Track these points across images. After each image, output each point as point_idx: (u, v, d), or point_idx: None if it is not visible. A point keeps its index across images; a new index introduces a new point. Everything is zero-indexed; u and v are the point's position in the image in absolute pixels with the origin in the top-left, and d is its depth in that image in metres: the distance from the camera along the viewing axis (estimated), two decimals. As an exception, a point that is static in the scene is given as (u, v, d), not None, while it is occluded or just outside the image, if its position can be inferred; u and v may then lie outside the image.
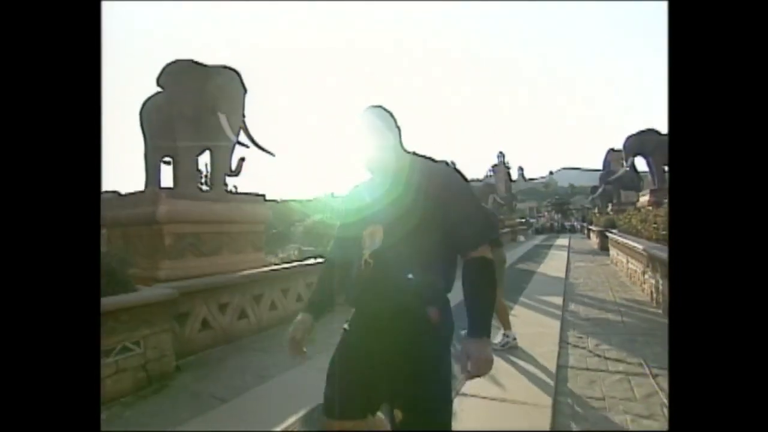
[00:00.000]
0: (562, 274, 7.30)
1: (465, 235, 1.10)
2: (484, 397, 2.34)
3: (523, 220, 29.70)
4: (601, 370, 2.76)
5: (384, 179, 1.21)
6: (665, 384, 2.46)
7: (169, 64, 4.81)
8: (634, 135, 10.06)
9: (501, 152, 30.78)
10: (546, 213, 38.01)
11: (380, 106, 1.24)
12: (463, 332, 1.12)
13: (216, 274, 4.37)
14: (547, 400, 2.27)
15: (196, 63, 4.82)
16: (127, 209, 4.83)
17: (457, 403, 2.23)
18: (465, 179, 1.19)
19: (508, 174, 30.87)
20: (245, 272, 4.42)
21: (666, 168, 9.47)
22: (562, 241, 17.98)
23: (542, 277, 7.13)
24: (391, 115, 1.25)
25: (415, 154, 1.25)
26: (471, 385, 2.41)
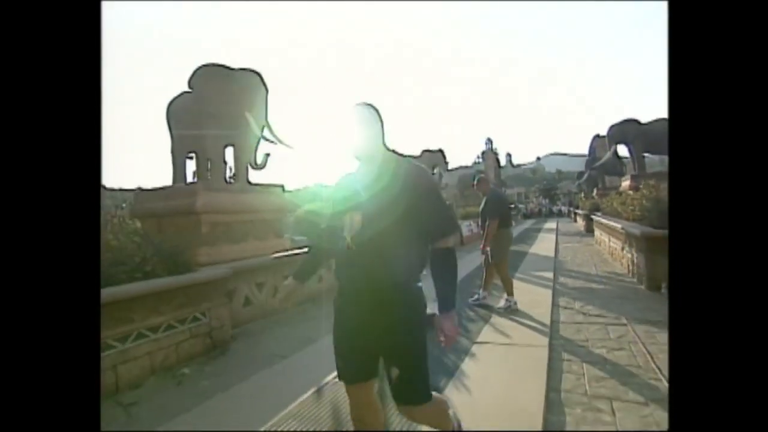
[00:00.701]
0: (552, 254, 8.03)
1: (432, 229, 1.27)
2: (496, 343, 2.99)
3: (512, 206, 30.56)
4: (585, 323, 3.44)
5: (370, 168, 1.34)
6: (630, 328, 3.14)
7: (199, 68, 5.23)
8: (616, 124, 10.78)
9: (489, 138, 31.44)
10: (534, 199, 39.03)
11: (369, 104, 1.37)
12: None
13: (246, 259, 4.91)
14: (544, 342, 2.93)
15: (223, 66, 5.26)
16: (162, 201, 5.29)
17: (476, 349, 2.87)
18: (433, 180, 1.38)
19: (497, 160, 31.36)
20: (276, 255, 4.97)
21: (646, 155, 10.24)
22: (550, 224, 18.86)
23: (534, 256, 7.84)
24: (378, 111, 1.38)
25: (394, 152, 1.41)
26: (484, 335, 3.05)
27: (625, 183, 10.19)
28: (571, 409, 2.04)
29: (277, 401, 2.31)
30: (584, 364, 2.58)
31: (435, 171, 13.80)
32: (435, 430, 1.45)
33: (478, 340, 3.04)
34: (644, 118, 10.64)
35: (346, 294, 1.35)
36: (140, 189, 6.87)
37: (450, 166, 17.94)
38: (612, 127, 11.04)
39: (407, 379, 1.27)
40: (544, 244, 9.93)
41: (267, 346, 3.52)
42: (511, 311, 3.86)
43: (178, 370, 3.10)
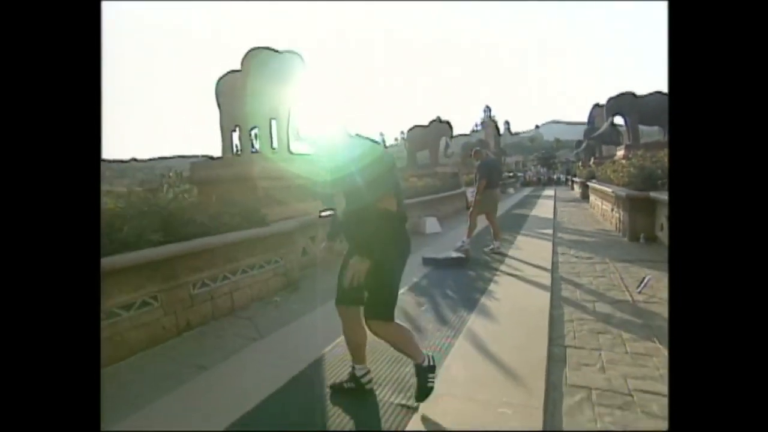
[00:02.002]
0: (551, 216, 9.05)
1: (370, 195, 1.60)
2: (511, 275, 4.01)
3: (512, 174, 31.29)
4: (578, 262, 4.46)
5: (338, 152, 1.72)
6: (611, 265, 4.17)
7: (249, 50, 5.95)
8: (614, 97, 11.50)
9: (487, 106, 31.61)
10: (532, 167, 39.76)
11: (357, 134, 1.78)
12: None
13: (294, 218, 5.84)
14: (548, 273, 3.95)
15: (271, 49, 5.96)
16: (219, 170, 6.14)
17: (497, 278, 3.89)
18: (370, 153, 1.65)
19: (497, 128, 31.58)
20: (322, 214, 5.91)
21: (640, 126, 11.05)
22: (549, 192, 19.82)
23: (535, 218, 8.86)
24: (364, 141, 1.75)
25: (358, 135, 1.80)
26: (501, 271, 4.06)
27: (620, 152, 11.04)
28: (567, 307, 3.06)
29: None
30: (576, 287, 3.60)
31: (442, 141, 14.54)
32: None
33: (496, 275, 4.06)
34: (642, 88, 11.34)
35: (346, 246, 1.89)
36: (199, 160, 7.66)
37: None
38: (610, 99, 11.75)
39: (371, 301, 1.71)
40: (543, 209, 10.93)
41: (328, 283, 4.52)
42: (497, 250, 4.98)
43: (271, 299, 4.12)
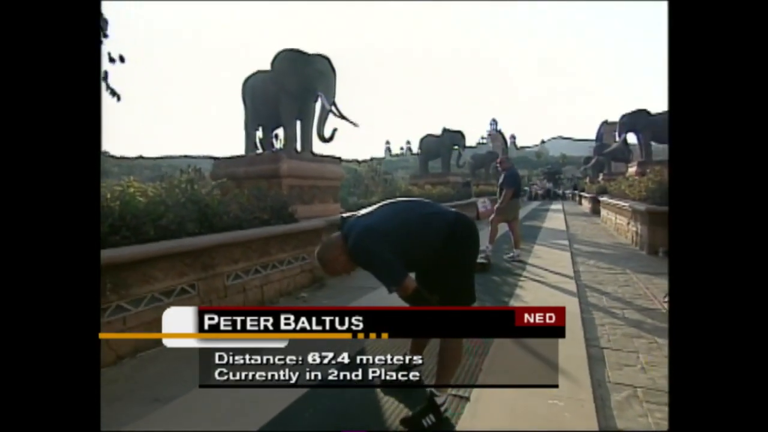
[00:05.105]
0: (563, 228, 9.13)
1: None
2: (534, 280, 4.08)
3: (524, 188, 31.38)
4: (599, 272, 4.52)
5: None
6: (633, 276, 4.23)
7: (280, 51, 6.12)
8: (628, 114, 11.62)
9: (494, 119, 31.48)
10: (538, 182, 39.93)
11: None
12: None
13: (317, 217, 5.94)
14: (572, 282, 4.02)
15: (301, 51, 6.13)
16: (244, 167, 6.26)
17: (522, 283, 3.96)
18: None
19: (505, 141, 31.67)
20: (345, 215, 6.01)
21: (653, 144, 11.16)
22: (557, 206, 19.89)
23: (548, 230, 8.93)
24: None
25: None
26: (527, 274, 4.13)
27: (632, 169, 11.13)
28: (596, 312, 3.13)
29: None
30: (602, 294, 3.66)
31: (455, 149, 14.70)
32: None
33: (521, 280, 4.13)
34: (645, 106, 11.50)
35: None
36: (215, 158, 7.83)
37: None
38: (624, 115, 11.88)
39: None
40: (554, 222, 11.01)
41: (354, 282, 4.60)
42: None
43: (298, 294, 4.19)
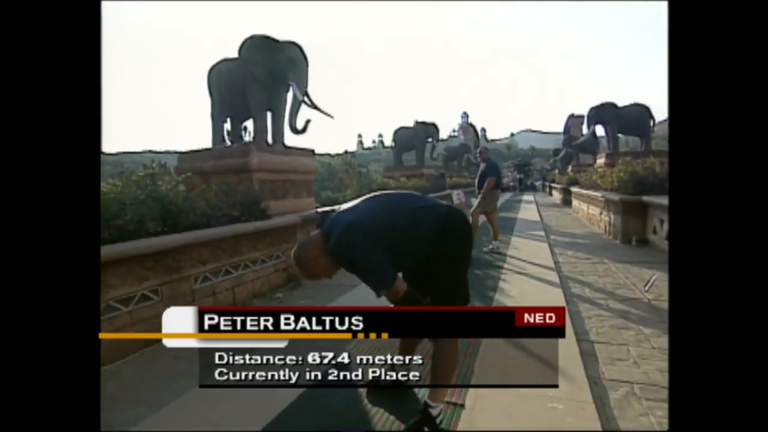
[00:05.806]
0: (538, 219, 9.28)
1: None
2: (516, 273, 4.03)
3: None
4: (578, 263, 4.55)
5: None
6: (612, 266, 4.29)
7: (248, 37, 5.72)
8: (595, 107, 11.97)
9: (465, 112, 31.70)
10: (509, 174, 40.87)
11: None
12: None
13: (291, 213, 5.67)
14: (554, 275, 4.00)
15: (271, 38, 5.77)
16: (211, 161, 5.86)
17: (505, 276, 3.90)
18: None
19: (476, 133, 32.06)
20: (320, 210, 5.77)
21: (620, 135, 11.55)
22: (528, 197, 20.36)
23: (523, 221, 9.04)
24: None
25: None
26: (508, 266, 4.08)
27: (601, 160, 11.47)
28: (581, 304, 3.10)
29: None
30: (584, 285, 3.66)
31: (429, 141, 14.64)
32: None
33: (504, 273, 4.08)
34: (611, 98, 11.93)
35: None
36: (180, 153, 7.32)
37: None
38: (592, 108, 12.21)
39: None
40: (528, 213, 11.20)
41: (332, 279, 4.40)
42: (497, 250, 5.08)
43: (273, 294, 3.95)
